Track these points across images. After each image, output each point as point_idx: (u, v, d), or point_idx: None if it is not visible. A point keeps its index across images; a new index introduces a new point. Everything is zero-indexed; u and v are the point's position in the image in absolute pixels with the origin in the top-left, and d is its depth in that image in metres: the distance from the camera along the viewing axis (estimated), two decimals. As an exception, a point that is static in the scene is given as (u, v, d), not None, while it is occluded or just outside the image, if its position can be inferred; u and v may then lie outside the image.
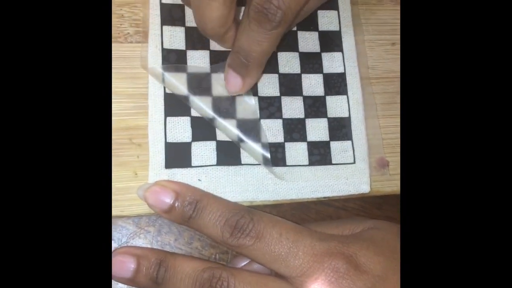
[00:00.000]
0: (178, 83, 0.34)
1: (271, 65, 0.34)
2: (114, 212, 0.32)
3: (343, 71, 0.37)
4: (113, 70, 0.34)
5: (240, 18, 0.34)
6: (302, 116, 0.36)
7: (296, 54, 0.37)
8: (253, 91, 0.35)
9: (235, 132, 0.34)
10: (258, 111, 0.35)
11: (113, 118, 0.33)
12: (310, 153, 0.35)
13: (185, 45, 0.35)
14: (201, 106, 0.34)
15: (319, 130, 0.36)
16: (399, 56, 0.39)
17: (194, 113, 0.34)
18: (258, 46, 0.30)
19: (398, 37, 0.39)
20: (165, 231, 0.33)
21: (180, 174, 0.33)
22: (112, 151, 0.32)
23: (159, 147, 0.33)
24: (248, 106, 0.35)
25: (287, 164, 0.35)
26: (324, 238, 0.29)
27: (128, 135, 0.33)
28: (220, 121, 0.34)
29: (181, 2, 0.36)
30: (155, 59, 0.34)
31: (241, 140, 0.34)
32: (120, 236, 0.33)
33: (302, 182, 0.35)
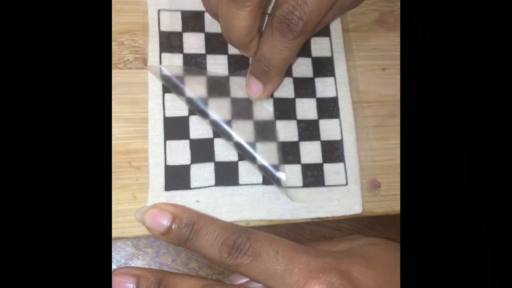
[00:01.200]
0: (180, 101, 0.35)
1: None
2: (114, 233, 0.33)
3: (336, 96, 0.38)
4: (113, 96, 0.35)
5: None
6: (296, 139, 0.37)
7: (290, 80, 0.38)
8: (249, 115, 0.36)
9: (234, 152, 0.35)
10: (253, 135, 0.36)
11: (113, 142, 0.34)
12: (304, 175, 0.36)
13: (184, 72, 0.36)
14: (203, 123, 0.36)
15: (312, 153, 0.37)
16: (390, 81, 0.40)
17: (193, 135, 0.35)
18: (280, 54, 0.32)
19: (389, 62, 0.41)
20: (163, 252, 0.34)
21: (179, 196, 0.34)
22: (112, 174, 0.33)
23: (159, 170, 0.34)
24: (245, 129, 0.36)
25: (282, 185, 0.36)
26: (319, 254, 0.30)
27: (128, 158, 0.34)
28: (218, 140, 0.35)
29: (179, 30, 0.37)
30: (154, 85, 0.36)
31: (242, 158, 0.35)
32: (119, 257, 0.33)
33: (297, 203, 0.36)
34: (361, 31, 0.41)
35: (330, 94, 0.38)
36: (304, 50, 0.39)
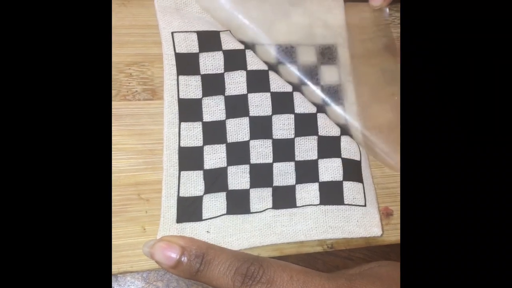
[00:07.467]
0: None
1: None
2: (123, 267, 0.32)
3: (345, 123, 0.38)
4: (121, 127, 0.35)
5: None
6: (315, 157, 0.36)
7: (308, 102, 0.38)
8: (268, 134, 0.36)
9: (247, 180, 0.35)
10: (272, 155, 0.36)
11: (121, 174, 0.34)
12: (322, 193, 0.35)
13: (202, 93, 0.36)
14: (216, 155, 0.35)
15: (332, 170, 0.36)
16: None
17: (206, 166, 0.35)
18: None
19: (398, 88, 0.41)
20: (173, 285, 0.34)
21: (189, 228, 0.34)
22: (121, 207, 0.33)
23: (172, 202, 0.34)
24: (261, 150, 0.36)
25: (297, 205, 0.35)
26: (332, 277, 0.30)
27: (137, 190, 0.34)
28: (232, 168, 0.35)
29: (196, 51, 0.36)
30: (170, 113, 0.35)
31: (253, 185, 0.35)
32: (129, 291, 0.33)
33: (311, 223, 0.35)
34: (369, 57, 0.41)
35: (340, 121, 0.38)
36: (315, 76, 0.39)
